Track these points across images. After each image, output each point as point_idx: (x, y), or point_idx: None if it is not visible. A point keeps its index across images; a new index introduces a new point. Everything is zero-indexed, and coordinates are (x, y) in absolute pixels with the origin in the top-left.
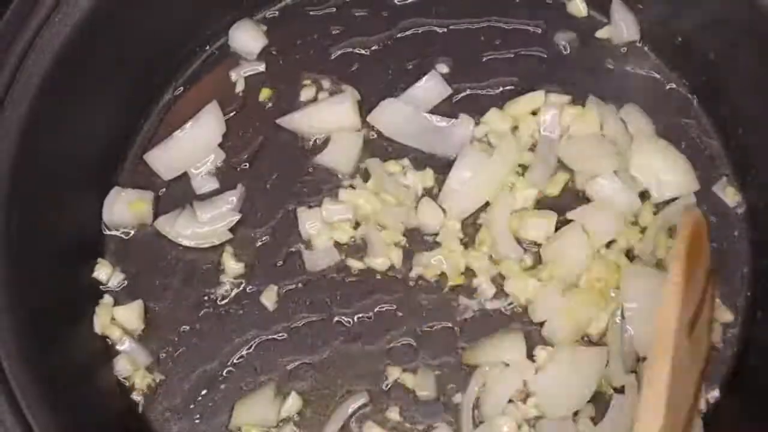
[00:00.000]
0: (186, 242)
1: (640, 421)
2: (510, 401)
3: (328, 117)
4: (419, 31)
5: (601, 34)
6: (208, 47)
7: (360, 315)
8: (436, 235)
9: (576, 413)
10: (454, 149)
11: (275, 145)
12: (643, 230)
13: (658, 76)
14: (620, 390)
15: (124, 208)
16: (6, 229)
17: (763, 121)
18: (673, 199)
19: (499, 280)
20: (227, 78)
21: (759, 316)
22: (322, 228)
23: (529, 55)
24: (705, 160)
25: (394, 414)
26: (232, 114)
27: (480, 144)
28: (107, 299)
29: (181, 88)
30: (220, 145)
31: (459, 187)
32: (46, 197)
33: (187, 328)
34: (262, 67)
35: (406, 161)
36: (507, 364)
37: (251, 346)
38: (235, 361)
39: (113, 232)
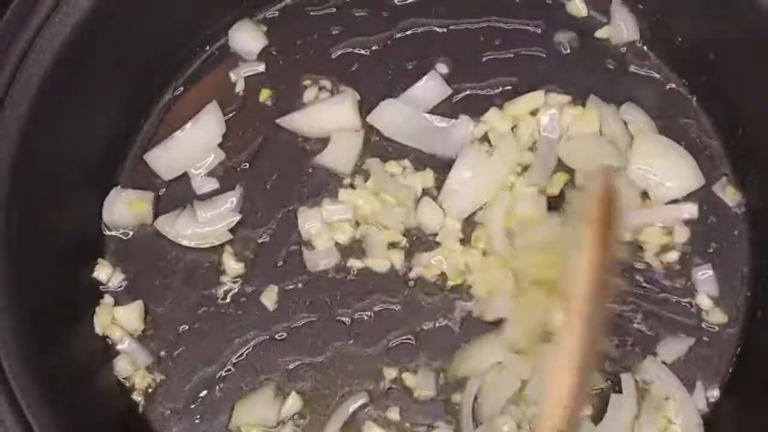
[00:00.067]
0: (186, 242)
1: (554, 388)
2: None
3: (328, 117)
4: (419, 31)
5: (600, 34)
6: (208, 47)
7: (360, 315)
8: (436, 235)
9: None
10: (454, 149)
11: (275, 145)
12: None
13: (658, 76)
14: (618, 390)
15: (124, 208)
16: (6, 229)
17: (763, 121)
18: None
19: None
20: (227, 78)
21: (759, 316)
22: (322, 228)
23: (528, 55)
24: (705, 160)
25: (394, 414)
26: (232, 114)
27: (480, 144)
28: (107, 299)
29: (181, 88)
30: (220, 146)
31: (459, 187)
32: (46, 197)
33: (187, 328)
34: (262, 68)
35: (406, 162)
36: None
37: (251, 346)
38: (235, 361)
39: (113, 233)
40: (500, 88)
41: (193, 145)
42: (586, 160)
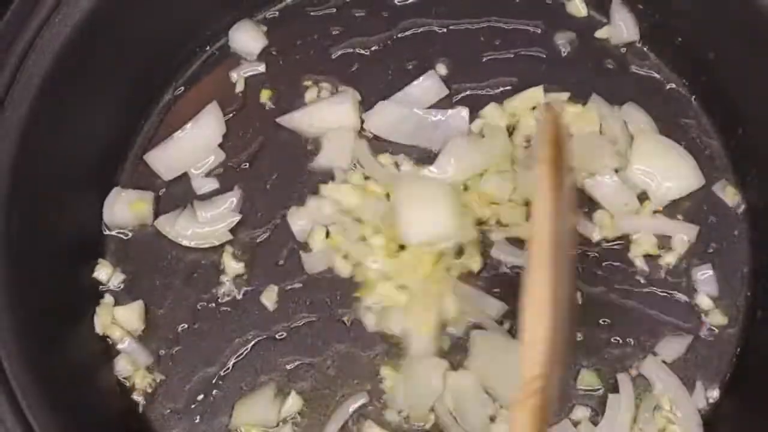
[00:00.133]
0: (186, 242)
1: (529, 332)
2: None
3: (328, 116)
4: (419, 32)
5: (600, 34)
6: (208, 48)
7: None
8: None
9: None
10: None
11: (275, 146)
12: None
13: (658, 76)
14: (615, 389)
15: (124, 209)
16: (6, 229)
17: (763, 121)
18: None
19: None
20: (227, 78)
21: (759, 316)
22: (312, 226)
23: (528, 55)
24: (705, 160)
25: (393, 414)
26: (232, 114)
27: (473, 136)
28: (108, 299)
29: (182, 88)
30: (220, 146)
31: (440, 174)
32: (46, 197)
33: (187, 327)
34: (262, 68)
35: (401, 156)
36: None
37: (251, 346)
38: (235, 361)
39: (113, 233)
40: (500, 88)
41: (193, 146)
42: (586, 158)
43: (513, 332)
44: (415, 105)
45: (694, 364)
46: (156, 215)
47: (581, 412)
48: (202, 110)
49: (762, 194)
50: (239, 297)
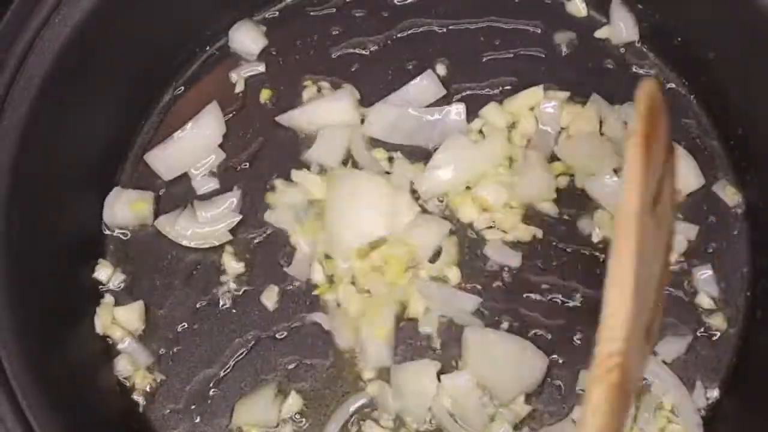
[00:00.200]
0: (186, 242)
1: (609, 307)
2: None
3: (326, 114)
4: (419, 32)
5: (600, 34)
6: (208, 48)
7: None
8: None
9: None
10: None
11: (275, 146)
12: None
13: (658, 76)
14: None
15: (124, 208)
16: (6, 229)
17: (763, 121)
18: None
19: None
20: (227, 78)
21: (759, 316)
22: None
23: (528, 55)
24: (705, 160)
25: (389, 419)
26: (232, 114)
27: (472, 134)
28: (108, 299)
29: (182, 88)
30: (221, 146)
31: (437, 171)
32: (47, 197)
33: (188, 327)
34: (262, 68)
35: (398, 154)
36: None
37: (251, 346)
38: (235, 361)
39: (114, 233)
40: (500, 88)
41: (193, 145)
42: (585, 159)
43: (513, 329)
44: (413, 105)
45: (694, 364)
46: (156, 215)
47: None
48: (202, 110)
49: (762, 194)
50: (239, 297)
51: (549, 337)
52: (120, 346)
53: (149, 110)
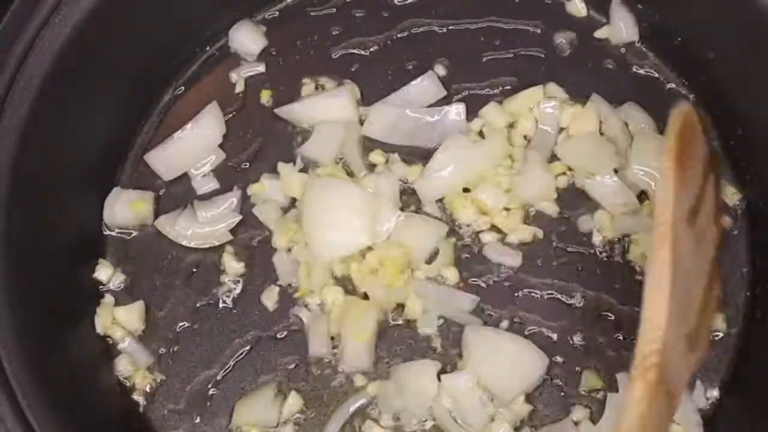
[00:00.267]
0: (186, 242)
1: (647, 309)
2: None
3: (326, 110)
4: (419, 32)
5: (600, 34)
6: (208, 48)
7: None
8: None
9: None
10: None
11: (275, 146)
12: None
13: (657, 76)
14: (614, 389)
15: (124, 209)
16: (6, 229)
17: (763, 121)
18: None
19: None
20: (227, 79)
21: (759, 316)
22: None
23: (528, 55)
24: None
25: (389, 418)
26: (232, 114)
27: (471, 134)
28: (108, 299)
29: (182, 88)
30: (221, 146)
31: (436, 173)
32: (47, 197)
33: (188, 327)
34: (262, 68)
35: (396, 155)
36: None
37: (251, 346)
38: (235, 361)
39: (114, 233)
40: (500, 88)
41: (193, 146)
42: (585, 159)
43: (512, 329)
44: (413, 105)
45: None
46: (156, 215)
47: (581, 412)
48: (202, 110)
49: (762, 194)
50: (239, 297)
51: (549, 337)
52: (120, 346)
53: (149, 110)
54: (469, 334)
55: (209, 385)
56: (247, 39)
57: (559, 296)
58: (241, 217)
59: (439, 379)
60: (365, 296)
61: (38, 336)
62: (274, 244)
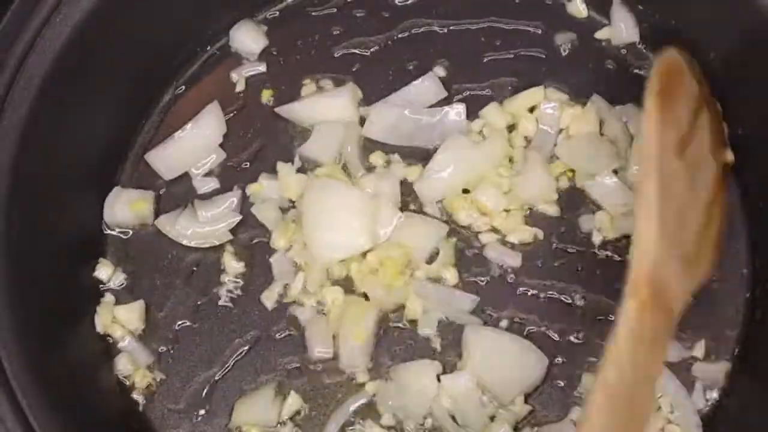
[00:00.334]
0: (187, 242)
1: (637, 236)
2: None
3: (326, 110)
4: (420, 32)
5: (600, 35)
6: (209, 48)
7: None
8: None
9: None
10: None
11: (276, 146)
12: None
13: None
14: None
15: (125, 208)
16: (6, 229)
17: (764, 122)
18: None
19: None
20: (228, 78)
21: (758, 317)
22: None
23: (529, 55)
24: None
25: (390, 418)
26: (232, 114)
27: (472, 135)
28: (108, 298)
29: (182, 87)
30: (221, 145)
31: (436, 174)
32: (47, 197)
33: (188, 327)
34: (262, 68)
35: (396, 156)
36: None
37: (251, 345)
38: (235, 360)
39: (114, 232)
40: (500, 89)
41: (193, 145)
42: (585, 159)
43: (512, 330)
44: (414, 106)
45: (693, 364)
46: (156, 215)
47: (580, 413)
48: (202, 110)
49: (762, 194)
50: (239, 297)
51: (549, 337)
52: (120, 345)
53: (150, 110)
54: (469, 334)
55: (209, 385)
56: (247, 39)
57: (559, 296)
58: (241, 216)
59: (438, 379)
60: (365, 296)
61: (38, 336)
62: (273, 244)
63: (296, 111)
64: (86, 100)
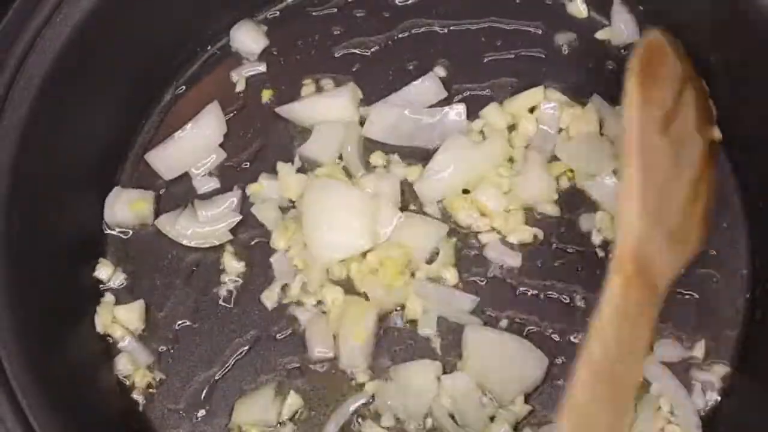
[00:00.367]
0: (187, 242)
1: (620, 214)
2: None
3: (326, 110)
4: (420, 32)
5: (601, 35)
6: (209, 48)
7: None
8: None
9: None
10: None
11: (276, 145)
12: None
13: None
14: None
15: (125, 208)
16: (6, 229)
17: (763, 122)
18: None
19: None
20: (228, 78)
21: (758, 317)
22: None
23: (529, 55)
24: None
25: (390, 418)
26: (232, 114)
27: (472, 135)
28: (108, 298)
29: (182, 87)
30: (221, 145)
31: (436, 174)
32: (47, 197)
33: (188, 327)
34: (263, 68)
35: (396, 156)
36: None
37: (251, 345)
38: (235, 360)
39: (114, 232)
40: (501, 89)
41: (193, 145)
42: (585, 159)
43: (512, 330)
44: (414, 106)
45: (693, 365)
46: (157, 214)
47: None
48: (202, 110)
49: (762, 195)
50: (239, 296)
51: (549, 337)
52: (120, 345)
53: (150, 110)
54: (468, 334)
55: (209, 385)
56: (248, 39)
57: (559, 297)
58: (241, 216)
59: (438, 379)
60: (365, 296)
61: (38, 336)
62: (273, 244)
63: (296, 111)
64: (86, 100)
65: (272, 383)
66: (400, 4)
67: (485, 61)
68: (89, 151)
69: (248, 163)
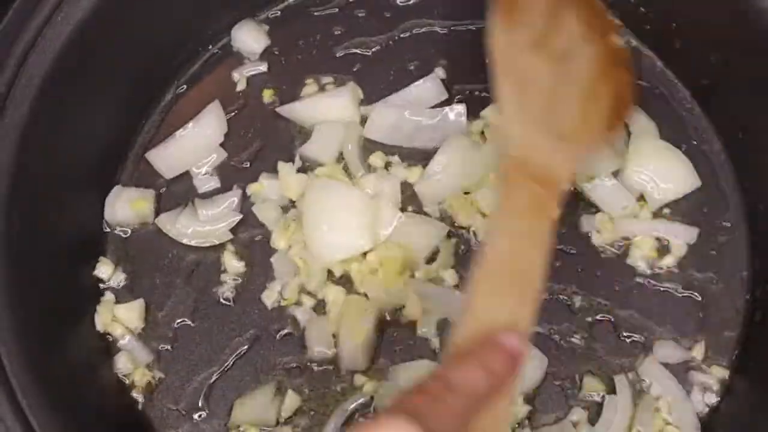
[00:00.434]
0: (187, 241)
1: (501, 124)
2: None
3: (326, 110)
4: (421, 32)
5: None
6: (210, 47)
7: None
8: None
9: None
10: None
11: (276, 145)
12: None
13: (658, 77)
14: (612, 390)
15: (125, 207)
16: (6, 229)
17: (764, 123)
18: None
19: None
20: (229, 78)
21: (758, 318)
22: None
23: None
24: (705, 163)
25: None
26: (233, 113)
27: (473, 136)
28: (108, 297)
29: (183, 87)
30: (222, 145)
31: (436, 174)
32: (47, 197)
33: (188, 326)
34: (264, 67)
35: (396, 158)
36: None
37: (251, 344)
38: (235, 359)
39: (114, 231)
40: None
41: (194, 144)
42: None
43: None
44: (415, 107)
45: (693, 366)
46: (157, 213)
47: (580, 414)
48: (203, 109)
49: (762, 196)
50: (239, 296)
51: (549, 337)
52: (120, 344)
53: (150, 109)
54: None
55: (208, 384)
56: (249, 38)
57: (558, 298)
58: (241, 216)
59: None
60: (365, 296)
61: (38, 335)
62: (273, 244)
63: (297, 111)
64: (87, 99)
65: (272, 383)
66: (401, 4)
67: (486, 61)
68: (90, 150)
69: (249, 163)
